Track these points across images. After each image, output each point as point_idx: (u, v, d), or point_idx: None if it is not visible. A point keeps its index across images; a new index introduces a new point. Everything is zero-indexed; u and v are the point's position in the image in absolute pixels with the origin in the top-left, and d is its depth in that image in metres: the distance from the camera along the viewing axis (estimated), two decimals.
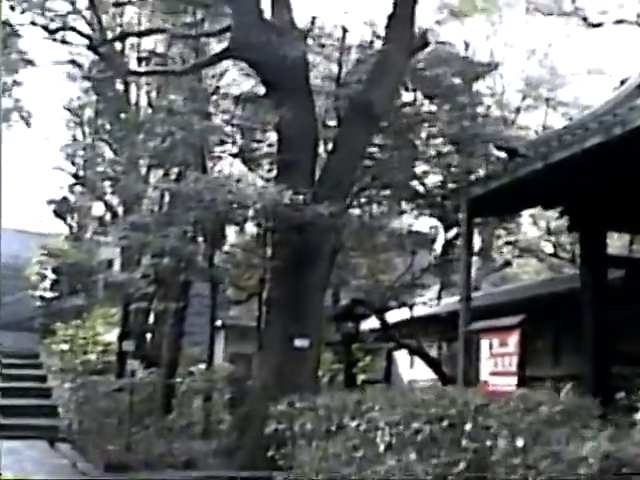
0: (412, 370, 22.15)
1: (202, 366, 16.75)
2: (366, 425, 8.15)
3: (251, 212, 12.28)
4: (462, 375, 12.47)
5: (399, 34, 13.75)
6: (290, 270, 12.89)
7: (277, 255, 13.32)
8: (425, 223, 19.39)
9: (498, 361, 9.37)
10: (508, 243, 22.76)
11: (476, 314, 12.30)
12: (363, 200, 17.06)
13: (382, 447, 7.66)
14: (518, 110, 23.12)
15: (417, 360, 21.47)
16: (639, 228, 14.99)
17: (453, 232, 18.17)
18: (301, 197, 11.50)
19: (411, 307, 18.77)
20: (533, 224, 24.40)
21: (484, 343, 9.92)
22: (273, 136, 14.85)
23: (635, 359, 12.55)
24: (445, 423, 6.80)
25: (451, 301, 20.30)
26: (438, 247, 19.34)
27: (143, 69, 15.90)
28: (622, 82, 14.44)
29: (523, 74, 24.11)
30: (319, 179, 13.45)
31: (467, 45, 20.52)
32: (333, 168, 13.47)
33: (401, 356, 22.90)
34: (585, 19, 21.59)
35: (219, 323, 19.32)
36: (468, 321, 12.42)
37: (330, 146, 14.27)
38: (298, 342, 12.63)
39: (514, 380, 8.93)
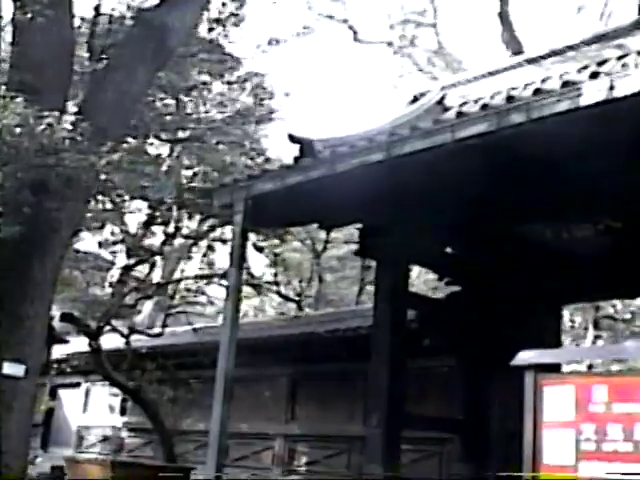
0: (85, 414, 18.63)
1: None
2: None
3: None
4: (218, 430, 8.76)
5: None
6: (8, 255, 8.21)
7: None
8: None
9: (611, 431, 4.73)
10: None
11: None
12: None
13: None
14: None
15: (93, 403, 18.40)
16: (441, 265, 12.46)
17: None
18: (68, 126, 6.99)
19: (129, 334, 14.42)
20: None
21: (553, 393, 5.15)
22: None
23: (426, 421, 10.64)
24: None
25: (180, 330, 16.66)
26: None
27: None
28: (415, 98, 12.94)
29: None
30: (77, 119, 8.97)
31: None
32: (100, 103, 9.12)
33: (70, 396, 19.01)
34: (355, 33, 19.86)
35: None
36: (231, 354, 9.06)
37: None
38: (9, 368, 8.33)
39: None
